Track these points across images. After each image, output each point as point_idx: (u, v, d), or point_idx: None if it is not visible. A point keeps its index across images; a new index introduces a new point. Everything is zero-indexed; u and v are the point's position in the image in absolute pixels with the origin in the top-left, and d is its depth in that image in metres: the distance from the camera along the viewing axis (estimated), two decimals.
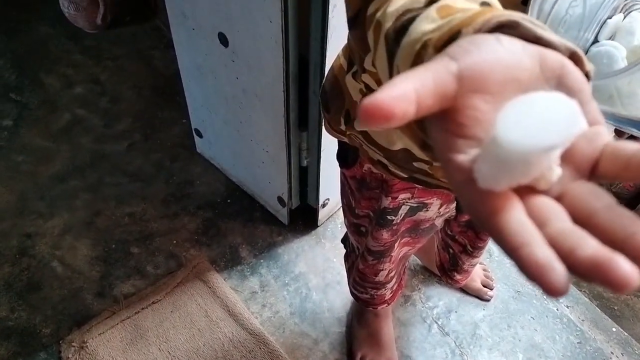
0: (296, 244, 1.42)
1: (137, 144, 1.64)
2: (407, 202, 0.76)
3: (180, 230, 1.43)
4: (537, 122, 0.23)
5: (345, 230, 1.07)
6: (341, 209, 1.47)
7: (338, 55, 0.67)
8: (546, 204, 0.24)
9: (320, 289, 1.33)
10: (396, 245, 0.88)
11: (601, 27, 0.48)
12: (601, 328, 1.30)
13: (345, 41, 0.62)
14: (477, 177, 0.24)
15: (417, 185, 0.71)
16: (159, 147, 1.63)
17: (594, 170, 0.24)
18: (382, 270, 0.95)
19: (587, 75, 0.28)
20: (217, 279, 1.31)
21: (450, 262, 1.07)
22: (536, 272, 0.21)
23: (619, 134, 0.81)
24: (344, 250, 1.13)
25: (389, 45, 0.33)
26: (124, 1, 1.92)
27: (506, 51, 0.26)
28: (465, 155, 0.25)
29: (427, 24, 0.30)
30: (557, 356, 1.24)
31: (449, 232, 1.00)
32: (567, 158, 0.24)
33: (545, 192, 0.24)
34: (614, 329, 1.30)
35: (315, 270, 1.36)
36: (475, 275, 1.32)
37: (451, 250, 1.04)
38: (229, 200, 1.50)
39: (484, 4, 0.31)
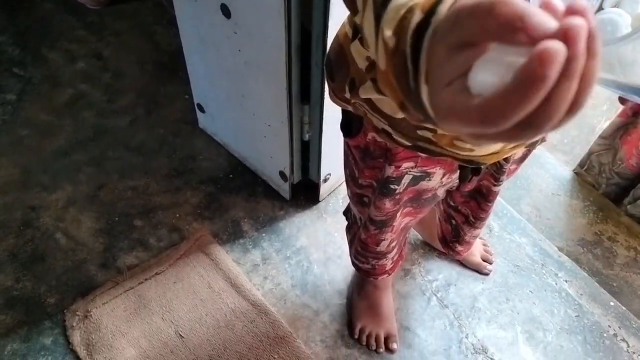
0: (298, 219, 1.43)
1: (140, 119, 1.64)
2: (410, 171, 0.77)
3: (182, 205, 1.44)
4: None
5: (346, 203, 1.08)
6: (343, 183, 1.49)
7: (343, 23, 0.67)
8: None
9: (321, 263, 1.34)
10: (398, 215, 0.89)
11: None
12: (599, 302, 1.32)
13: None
14: None
15: (420, 154, 0.72)
16: (162, 122, 1.64)
17: None
18: (384, 240, 0.96)
19: None
20: (219, 252, 1.33)
21: (452, 233, 1.08)
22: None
23: (622, 101, 0.81)
24: (345, 225, 1.14)
25: (377, 9, 0.36)
26: None
27: None
28: None
29: None
30: (554, 329, 1.26)
31: (451, 203, 1.01)
32: None
33: None
34: (611, 303, 1.32)
35: (317, 244, 1.37)
36: (475, 249, 1.33)
37: (453, 222, 1.05)
38: (231, 175, 1.51)
39: None
